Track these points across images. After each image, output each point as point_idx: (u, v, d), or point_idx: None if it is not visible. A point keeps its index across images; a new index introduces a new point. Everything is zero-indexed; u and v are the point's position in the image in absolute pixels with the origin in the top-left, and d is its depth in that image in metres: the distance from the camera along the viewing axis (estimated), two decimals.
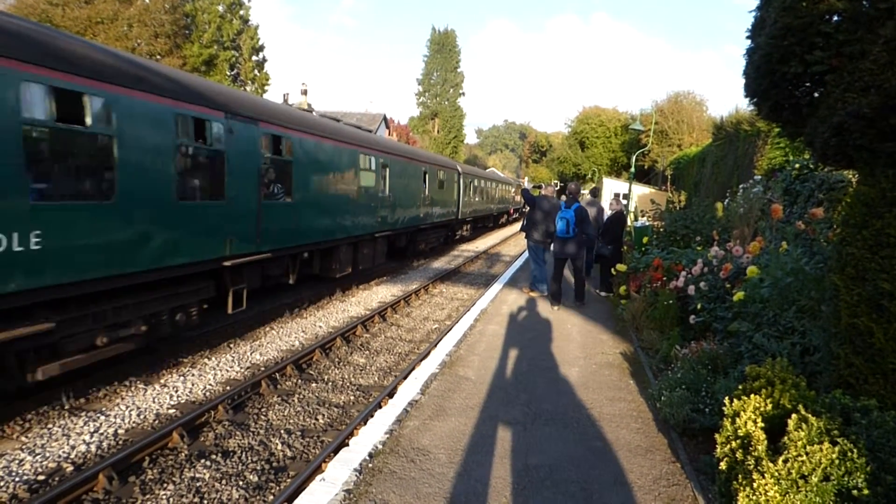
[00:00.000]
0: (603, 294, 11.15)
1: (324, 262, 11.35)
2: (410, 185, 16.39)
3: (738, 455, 2.86)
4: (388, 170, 14.38)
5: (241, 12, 37.29)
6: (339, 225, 11.46)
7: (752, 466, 2.73)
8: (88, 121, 5.60)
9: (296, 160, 9.61)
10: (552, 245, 10.09)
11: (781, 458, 2.62)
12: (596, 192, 14.08)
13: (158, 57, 30.31)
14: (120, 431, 5.49)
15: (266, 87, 39.20)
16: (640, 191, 28.39)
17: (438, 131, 59.53)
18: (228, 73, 36.43)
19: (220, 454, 5.18)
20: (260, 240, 8.55)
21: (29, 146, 5.20)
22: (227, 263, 7.79)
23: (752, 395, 3.07)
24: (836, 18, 3.24)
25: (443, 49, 59.76)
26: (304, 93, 23.68)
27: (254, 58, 38.56)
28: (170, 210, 6.71)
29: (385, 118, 47.10)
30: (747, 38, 3.94)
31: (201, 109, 7.20)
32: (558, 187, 16.24)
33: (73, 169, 6.17)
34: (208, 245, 7.46)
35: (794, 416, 2.74)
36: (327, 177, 10.87)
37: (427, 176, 18.14)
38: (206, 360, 7.57)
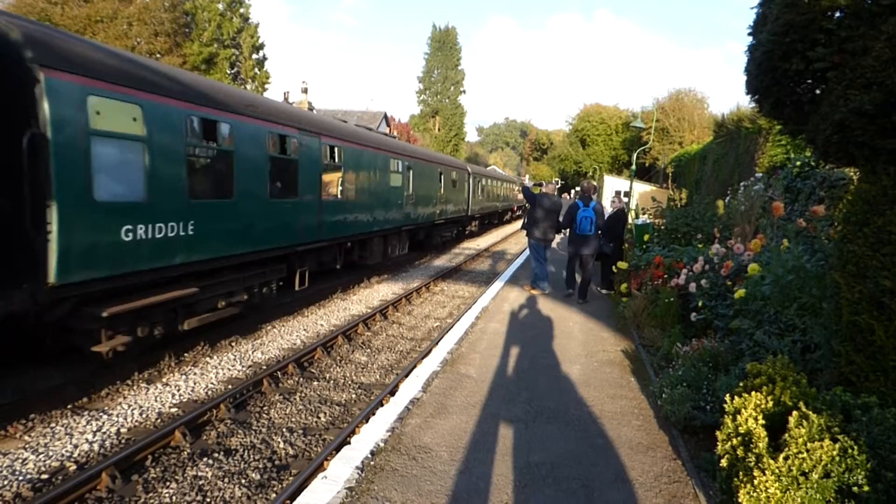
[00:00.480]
0: (604, 292, 11.15)
1: (361, 252, 13.37)
2: (429, 185, 18.34)
3: (739, 452, 2.87)
4: (411, 172, 16.29)
5: (241, 10, 37.26)
6: (374, 220, 13.47)
7: (752, 463, 2.74)
8: (220, 140, 7.83)
9: (344, 165, 11.70)
10: (568, 244, 10.39)
11: (782, 455, 2.62)
12: (594, 191, 14.27)
13: (158, 55, 30.30)
14: (122, 430, 5.50)
15: (266, 86, 39.18)
16: (642, 188, 28.39)
17: (439, 129, 59.50)
18: (229, 72, 36.41)
19: (222, 452, 5.19)
20: (319, 231, 10.57)
21: (189, 159, 7.15)
22: (299, 249, 9.85)
23: (753, 393, 3.07)
24: (838, 15, 3.23)
25: (443, 47, 59.71)
26: (305, 91, 23.68)
27: (254, 56, 38.53)
28: (265, 206, 8.70)
29: (386, 116, 47.08)
30: (749, 34, 3.93)
31: (284, 128, 9.28)
32: (559, 185, 16.51)
33: (210, 174, 8.02)
34: (287, 233, 9.45)
35: (794, 413, 2.74)
36: (366, 179, 12.92)
37: (442, 177, 20.00)
38: (207, 358, 7.58)
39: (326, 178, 10.86)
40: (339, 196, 11.50)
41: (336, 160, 11.33)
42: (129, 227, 6.17)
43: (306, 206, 9.96)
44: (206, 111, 7.37)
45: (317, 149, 10.32)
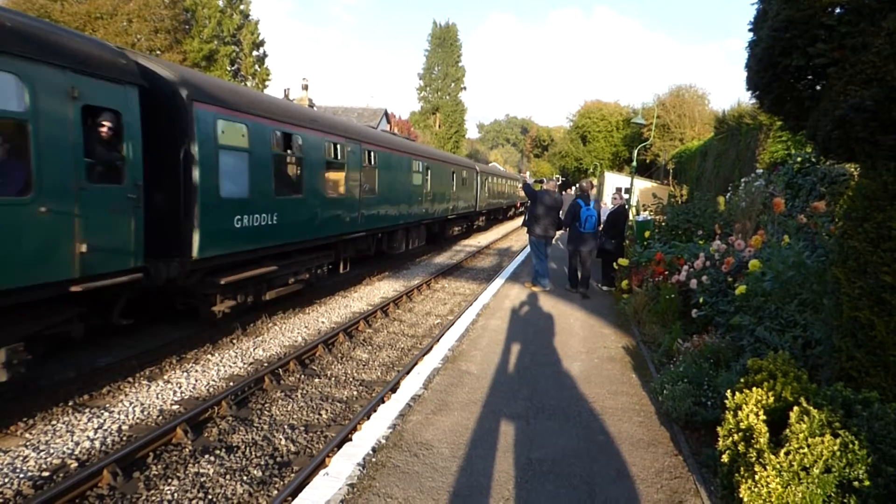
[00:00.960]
0: (605, 288, 11.15)
1: (390, 242, 15.43)
2: (444, 183, 20.26)
3: (740, 448, 2.87)
4: (429, 171, 18.32)
5: (242, 7, 37.18)
6: (400, 214, 15.44)
7: (753, 459, 2.74)
8: (294, 149, 10.08)
9: (378, 167, 13.76)
10: (568, 242, 10.65)
11: (783, 451, 2.63)
12: (564, 187, 15.47)
13: (158, 52, 30.24)
14: (124, 428, 5.51)
15: (267, 83, 39.13)
16: (642, 185, 28.36)
17: (440, 126, 59.40)
18: (229, 69, 36.36)
19: (223, 449, 5.20)
20: (359, 223, 12.61)
21: (274, 165, 9.11)
22: (344, 237, 11.98)
23: (754, 388, 3.08)
24: (838, 10, 3.23)
25: (444, 43, 59.57)
26: (305, 88, 23.67)
27: (254, 53, 38.46)
28: (323, 201, 10.81)
29: (386, 113, 47.03)
30: (749, 30, 3.93)
31: (336, 137, 11.47)
32: (560, 182, 16.77)
33: (287, 176, 10.23)
34: (336, 224, 11.50)
35: (795, 408, 2.75)
36: (394, 178, 14.96)
37: (454, 176, 21.89)
38: (208, 355, 7.59)
39: (365, 177, 12.93)
40: (374, 193, 13.47)
41: (372, 162, 13.38)
42: (238, 217, 8.23)
43: (350, 202, 12.07)
44: (285, 126, 9.53)
45: (358, 153, 12.44)
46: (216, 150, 7.62)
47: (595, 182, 37.73)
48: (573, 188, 27.88)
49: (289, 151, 10.02)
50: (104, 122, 6.08)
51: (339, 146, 11.47)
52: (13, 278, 5.06)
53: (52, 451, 4.95)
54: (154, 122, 6.83)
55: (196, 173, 7.26)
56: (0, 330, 5.15)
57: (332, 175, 11.46)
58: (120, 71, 6.20)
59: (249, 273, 8.52)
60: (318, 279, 11.14)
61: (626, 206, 11.76)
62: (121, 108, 6.21)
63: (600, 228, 10.75)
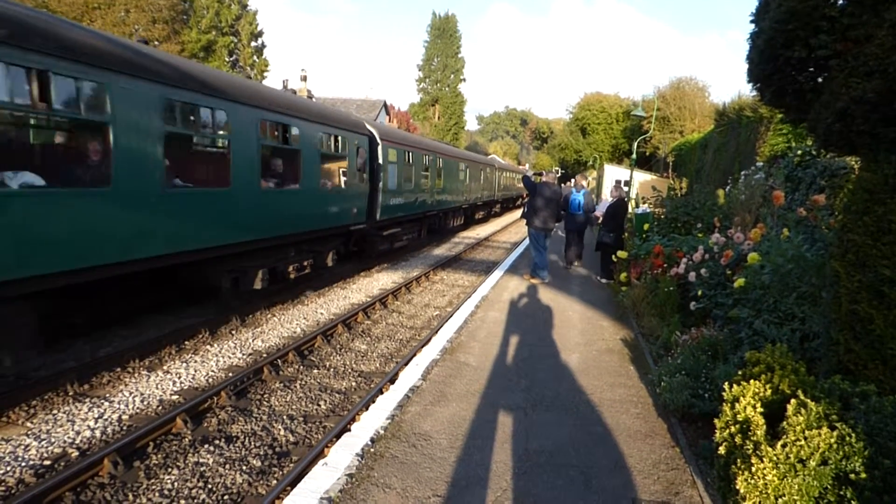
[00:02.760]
0: (604, 281, 11.16)
1: (444, 221, 22.02)
2: (475, 178, 26.90)
3: (737, 440, 2.88)
4: (468, 170, 25.07)
5: None
6: (452, 201, 22.18)
7: (750, 451, 2.75)
8: (412, 162, 16.54)
9: (443, 169, 20.58)
10: (564, 225, 12.51)
11: (780, 443, 2.64)
12: (564, 179, 20.70)
13: (156, 43, 30.09)
14: (124, 417, 5.53)
15: (265, 74, 38.97)
16: (642, 177, 28.32)
17: (439, 118, 59.25)
18: (227, 59, 36.19)
19: (223, 439, 5.22)
20: (434, 206, 19.35)
21: (406, 172, 15.81)
22: (428, 214, 18.82)
23: (751, 381, 3.08)
24: (840, 2, 3.21)
25: (443, 34, 59.31)
26: (304, 79, 23.56)
27: (252, 43, 38.32)
28: (423, 192, 17.42)
29: (385, 104, 46.85)
30: (751, 22, 3.91)
31: (429, 151, 18.31)
32: (559, 174, 18.00)
33: (408, 178, 16.13)
34: (426, 206, 18.32)
35: (793, 401, 2.75)
36: (450, 176, 21.64)
37: (481, 173, 28.60)
38: (208, 346, 7.61)
39: (438, 176, 19.83)
40: (440, 187, 20.02)
41: (440, 166, 20.04)
42: (391, 200, 14.47)
43: (429, 191, 18.64)
44: (415, 150, 16.84)
45: (433, 161, 19.19)
46: (386, 163, 14.04)
47: (595, 174, 37.91)
48: (572, 181, 29.05)
49: (412, 164, 16.46)
50: (361, 153, 12.73)
51: (428, 158, 18.33)
52: (342, 220, 11.83)
53: (53, 440, 4.97)
54: (369, 151, 13.36)
55: (379, 175, 13.61)
56: (325, 242, 11.53)
57: (436, 176, 19.41)
58: (365, 130, 13.21)
59: (391, 231, 14.95)
60: (417, 239, 18.33)
61: (626, 199, 11.73)
62: (365, 146, 13.01)
63: (599, 221, 10.77)
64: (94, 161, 6.35)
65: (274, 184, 9.47)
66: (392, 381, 6.11)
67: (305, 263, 10.78)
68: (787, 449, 2.59)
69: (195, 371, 6.78)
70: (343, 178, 12.04)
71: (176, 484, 4.48)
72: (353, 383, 6.84)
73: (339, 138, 11.61)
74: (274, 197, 9.36)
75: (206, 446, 5.08)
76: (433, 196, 18.91)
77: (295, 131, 9.79)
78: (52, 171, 6.21)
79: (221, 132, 8.08)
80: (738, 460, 2.83)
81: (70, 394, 5.88)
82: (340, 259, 12.64)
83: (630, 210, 13.69)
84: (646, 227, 11.46)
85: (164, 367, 6.81)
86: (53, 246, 5.48)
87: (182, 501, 4.27)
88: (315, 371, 7.13)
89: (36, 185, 5.53)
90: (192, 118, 7.75)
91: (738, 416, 2.95)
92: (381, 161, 13.41)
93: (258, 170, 8.67)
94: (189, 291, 9.23)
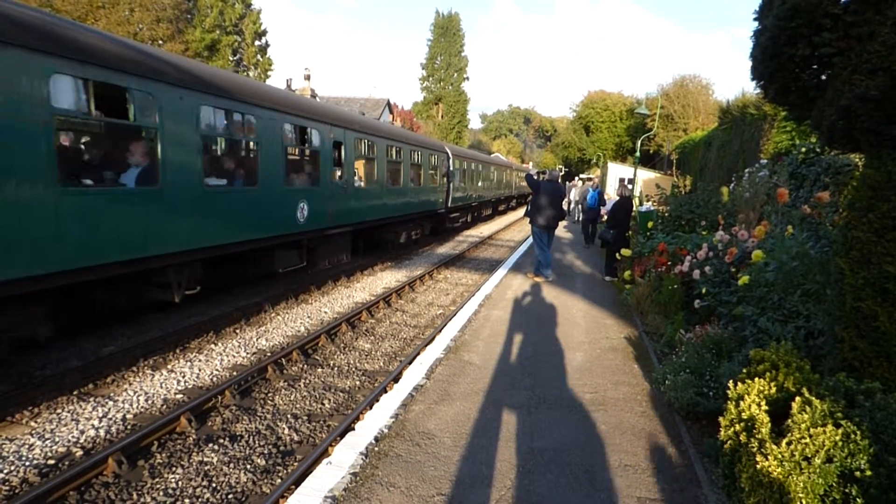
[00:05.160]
0: (608, 279, 11.15)
1: (481, 211, 28.70)
2: (501, 178, 33.76)
3: (742, 437, 2.88)
4: (495, 172, 31.62)
5: None
6: (485, 196, 28.34)
7: (755, 449, 2.75)
8: (468, 168, 24.76)
9: (481, 172, 27.11)
10: (581, 214, 18.02)
11: (785, 441, 2.63)
12: (567, 178, 25.74)
13: (161, 42, 30.15)
14: (128, 416, 5.55)
15: (269, 73, 39.00)
16: (646, 175, 28.28)
17: (442, 116, 59.23)
18: (231, 59, 36.24)
19: (227, 438, 5.24)
20: (476, 198, 25.79)
21: (465, 175, 23.99)
22: (472, 205, 25.77)
23: (756, 379, 3.08)
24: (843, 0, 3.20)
25: (447, 33, 59.26)
26: (308, 78, 23.60)
27: (256, 43, 38.34)
28: (474, 188, 25.78)
29: (389, 103, 46.86)
30: (754, 19, 3.89)
31: (470, 161, 24.95)
32: (563, 172, 18.55)
33: (468, 179, 24.58)
34: (472, 198, 25.17)
35: (798, 398, 2.75)
36: (485, 177, 28.26)
37: (504, 173, 35.25)
38: (212, 345, 7.62)
39: (478, 178, 26.43)
40: (479, 185, 26.64)
41: (480, 169, 26.70)
42: (456, 194, 21.55)
43: (474, 188, 25.38)
44: (466, 161, 23.95)
45: (478, 167, 26.05)
46: (455, 170, 21.21)
47: (598, 172, 38.14)
48: (576, 179, 31.14)
49: (465, 170, 23.30)
50: (443, 164, 20.01)
51: (475, 165, 25.51)
52: (434, 207, 19.24)
53: (57, 439, 4.99)
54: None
55: (448, 179, 20.46)
56: (425, 219, 18.90)
57: (486, 180, 27.91)
58: (444, 150, 20.66)
59: (454, 214, 21.92)
60: (466, 222, 25.18)
61: (629, 196, 11.70)
62: (444, 159, 20.30)
63: (604, 219, 10.78)
64: (250, 168, 9.07)
65: (413, 185, 17.12)
66: (396, 379, 6.12)
67: (418, 231, 17.98)
68: (791, 447, 2.58)
69: (199, 370, 6.80)
70: (435, 180, 19.62)
71: (180, 483, 4.50)
72: (357, 382, 6.85)
73: (435, 156, 19.38)
74: (414, 191, 17.00)
75: (210, 445, 5.09)
76: (477, 192, 26.06)
77: (433, 159, 19.30)
78: (228, 176, 8.80)
79: (398, 158, 15.54)
80: (743, 458, 2.82)
81: (74, 393, 5.90)
82: (431, 231, 20.18)
83: (634, 208, 13.67)
84: (650, 224, 11.44)
85: (169, 366, 6.83)
86: (229, 223, 8.18)
87: (186, 501, 4.29)
88: (319, 370, 7.14)
89: (221, 185, 8.27)
90: (367, 147, 13.39)
91: (743, 414, 2.94)
92: (451, 169, 20.92)
93: (408, 176, 16.42)
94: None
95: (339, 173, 11.44)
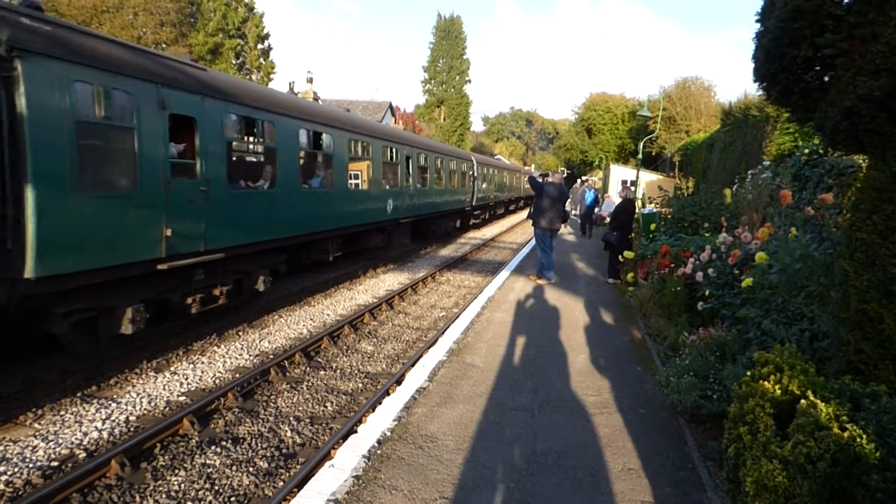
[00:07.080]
0: (611, 281, 11.13)
1: (495, 211, 32.00)
2: (511, 181, 36.95)
3: (746, 441, 2.86)
4: (508, 176, 35.20)
5: (246, 0, 37.12)
6: (499, 196, 31.55)
7: (759, 452, 2.73)
8: (489, 174, 29.33)
9: (496, 175, 30.47)
10: (580, 212, 19.40)
11: (790, 444, 2.62)
12: (570, 180, 29.99)
13: (164, 46, 30.25)
14: (131, 418, 5.55)
15: (272, 76, 39.09)
16: (648, 177, 28.26)
17: (444, 119, 59.25)
18: (234, 62, 36.34)
19: (230, 441, 5.23)
20: (494, 198, 30.07)
21: (488, 180, 28.21)
22: (490, 204, 29.36)
23: (760, 381, 3.06)
24: (846, 0, 3.19)
25: (448, 36, 59.30)
26: (310, 81, 23.64)
27: (259, 46, 38.43)
28: (502, 191, 32.86)
29: (391, 106, 46.96)
30: (757, 21, 3.88)
31: (490, 168, 29.32)
32: (565, 174, 18.69)
33: (491, 183, 29.01)
34: (492, 197, 29.25)
35: (802, 401, 2.73)
36: (500, 180, 31.97)
37: (514, 176, 38.43)
38: (215, 347, 7.63)
39: (493, 181, 29.08)
40: (494, 187, 29.43)
41: (494, 174, 29.50)
42: (478, 194, 25.61)
43: (492, 190, 28.69)
44: (487, 168, 28.07)
45: (494, 172, 29.49)
46: (478, 175, 25.29)
47: (600, 175, 38.29)
48: (579, 181, 31.72)
49: (485, 174, 26.66)
50: (469, 170, 24.00)
51: (492, 170, 28.84)
52: (462, 205, 23.46)
53: (60, 441, 4.99)
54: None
55: (475, 181, 24.76)
56: (456, 214, 23.57)
57: (492, 180, 28.96)
58: (471, 158, 25.01)
59: (476, 211, 25.86)
60: (488, 219, 29.13)
61: (631, 198, 11.69)
62: (469, 166, 24.18)
63: (606, 221, 10.77)
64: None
65: (450, 187, 21.03)
66: (398, 382, 6.11)
67: (451, 223, 22.32)
68: (796, 450, 2.57)
69: (202, 372, 6.81)
70: (464, 184, 23.10)
71: (183, 485, 4.50)
72: (360, 385, 6.84)
73: (465, 164, 23.33)
74: (450, 192, 21.08)
75: (212, 448, 5.09)
76: (494, 193, 29.70)
77: (463, 167, 23.15)
78: (359, 181, 13.25)
79: (441, 166, 19.78)
80: (747, 461, 2.81)
81: (77, 395, 5.91)
82: (460, 226, 24.39)
83: (637, 210, 13.66)
84: (652, 226, 11.42)
85: (172, 368, 6.83)
86: (356, 212, 12.43)
87: (189, 503, 4.29)
88: (322, 372, 7.14)
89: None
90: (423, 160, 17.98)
91: (747, 416, 2.93)
92: (475, 174, 24.74)
93: (447, 181, 20.60)
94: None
95: (410, 179, 16.14)
